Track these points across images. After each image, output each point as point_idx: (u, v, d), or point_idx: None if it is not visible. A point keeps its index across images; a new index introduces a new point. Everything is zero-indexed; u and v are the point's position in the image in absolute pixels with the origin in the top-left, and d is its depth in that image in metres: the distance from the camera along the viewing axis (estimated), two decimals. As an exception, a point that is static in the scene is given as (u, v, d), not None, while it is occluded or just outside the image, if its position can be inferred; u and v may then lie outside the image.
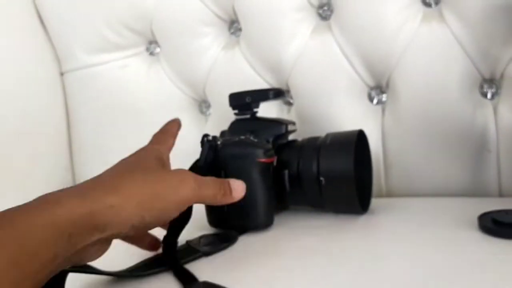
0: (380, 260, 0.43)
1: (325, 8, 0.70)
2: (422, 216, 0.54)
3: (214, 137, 0.54)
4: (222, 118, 0.63)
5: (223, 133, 0.61)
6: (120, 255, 0.50)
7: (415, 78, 0.64)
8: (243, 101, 0.59)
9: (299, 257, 0.45)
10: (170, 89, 0.79)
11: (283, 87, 0.72)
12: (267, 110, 0.69)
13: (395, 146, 0.66)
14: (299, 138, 0.60)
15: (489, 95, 0.63)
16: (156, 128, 0.79)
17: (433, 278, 0.38)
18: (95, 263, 0.42)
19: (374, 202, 0.59)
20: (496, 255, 0.42)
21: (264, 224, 0.54)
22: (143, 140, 0.79)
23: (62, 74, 0.83)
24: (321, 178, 0.54)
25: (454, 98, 0.63)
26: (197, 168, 0.52)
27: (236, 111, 0.61)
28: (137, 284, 0.43)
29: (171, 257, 0.46)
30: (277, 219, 0.56)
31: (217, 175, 0.53)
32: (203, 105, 0.80)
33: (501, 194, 0.62)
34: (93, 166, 0.82)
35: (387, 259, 0.43)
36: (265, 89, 0.61)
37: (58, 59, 0.82)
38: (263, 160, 0.53)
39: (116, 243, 0.55)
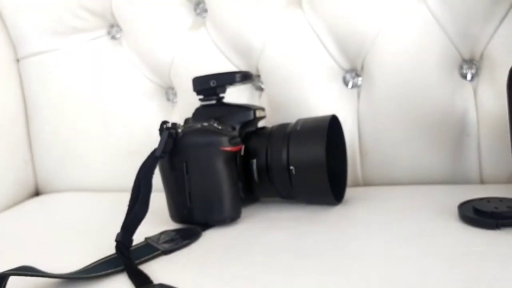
0: (353, 255, 0.40)
1: (296, -15, 0.66)
2: (399, 206, 0.51)
3: (174, 124, 0.50)
4: (189, 105, 0.59)
5: (187, 121, 0.57)
6: (71, 255, 0.47)
7: (391, 59, 0.61)
8: (207, 85, 0.55)
9: (266, 254, 0.42)
10: (135, 75, 0.75)
11: (253, 71, 0.68)
12: (237, 96, 0.65)
13: (371, 132, 0.63)
14: (270, 125, 0.56)
15: (468, 77, 0.60)
16: (120, 118, 0.75)
17: (410, 274, 0.36)
18: (42, 263, 0.39)
19: (350, 191, 0.56)
20: (477, 247, 0.39)
21: (230, 218, 0.51)
22: (106, 130, 0.76)
23: (17, 60, 0.77)
24: (291, 167, 0.51)
25: (433, 80, 0.59)
26: (154, 159, 0.48)
27: (201, 97, 0.57)
28: (88, 286, 0.39)
29: (125, 256, 0.43)
30: (246, 212, 0.53)
31: (179, 166, 0.50)
32: (169, 92, 0.75)
33: (482, 181, 0.59)
34: (54, 157, 0.78)
35: (360, 253, 0.40)
36: (231, 72, 0.56)
37: (13, 45, 0.77)
38: (228, 148, 0.49)
39: (69, 240, 0.52)
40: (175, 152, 0.49)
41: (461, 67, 0.60)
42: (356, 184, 0.64)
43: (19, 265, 0.39)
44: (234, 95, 0.63)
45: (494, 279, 0.33)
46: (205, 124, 0.51)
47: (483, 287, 0.33)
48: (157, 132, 0.51)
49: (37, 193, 0.80)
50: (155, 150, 0.49)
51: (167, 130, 0.49)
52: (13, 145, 0.76)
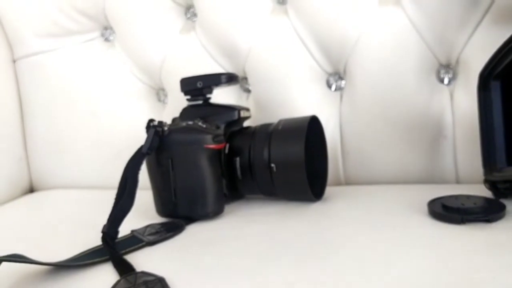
0: (325, 243, 0.43)
1: (283, -9, 0.68)
2: (374, 203, 0.54)
3: (160, 122, 0.52)
4: (179, 106, 0.61)
5: (174, 120, 0.59)
6: (60, 247, 0.49)
7: (372, 64, 0.63)
8: (194, 86, 0.58)
9: (244, 244, 0.44)
10: (127, 76, 0.77)
11: (240, 73, 0.70)
12: (225, 97, 0.68)
13: (353, 133, 0.66)
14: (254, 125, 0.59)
15: (445, 81, 0.63)
16: (112, 118, 0.78)
17: (378, 261, 0.38)
18: (33, 254, 0.41)
19: (331, 190, 0.58)
20: (443, 239, 0.41)
21: (213, 213, 0.53)
22: (98, 130, 0.78)
23: (14, 61, 0.80)
24: (272, 165, 0.53)
25: (411, 84, 0.62)
26: (140, 155, 0.50)
27: (188, 97, 0.59)
28: (74, 274, 0.42)
29: (110, 246, 0.45)
30: (229, 208, 0.55)
31: (165, 163, 0.52)
32: (160, 93, 0.78)
33: (458, 181, 0.62)
34: (48, 155, 0.80)
35: (333, 244, 0.43)
36: (217, 73, 0.59)
37: (10, 46, 0.79)
38: (211, 146, 0.52)
39: (60, 233, 0.54)
40: (161, 149, 0.52)
41: (438, 72, 0.62)
42: (338, 183, 0.67)
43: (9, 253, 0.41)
44: (222, 96, 0.66)
45: (455, 267, 0.36)
46: (190, 122, 0.53)
47: (444, 274, 0.35)
48: (147, 132, 0.53)
49: (31, 190, 0.82)
50: (142, 147, 0.51)
51: (153, 128, 0.51)
52: (8, 143, 0.78)
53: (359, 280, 0.35)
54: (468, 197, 0.47)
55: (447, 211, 0.45)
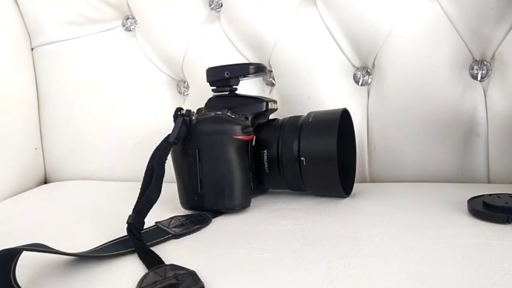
0: (362, 243, 0.41)
1: (311, -18, 0.67)
2: (408, 200, 0.52)
3: (188, 111, 0.51)
4: (200, 98, 0.60)
5: (199, 110, 0.58)
6: (81, 237, 0.48)
7: (403, 58, 0.62)
8: (221, 76, 0.56)
9: (273, 241, 0.43)
10: (147, 67, 0.76)
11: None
12: (248, 90, 0.66)
13: (380, 129, 0.64)
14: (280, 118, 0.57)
15: (479, 77, 0.61)
16: (130, 109, 0.76)
17: (420, 261, 0.36)
18: (54, 244, 0.40)
19: (357, 186, 0.56)
20: (488, 239, 0.39)
21: (240, 206, 0.51)
22: (116, 120, 0.76)
23: (32, 49, 0.78)
24: (302, 158, 0.51)
25: (443, 79, 0.60)
26: (167, 144, 0.48)
27: (214, 87, 0.57)
28: (99, 266, 0.40)
29: (136, 238, 0.43)
30: (255, 201, 0.54)
31: (191, 153, 0.50)
32: (181, 85, 0.77)
33: (489, 181, 0.60)
34: (64, 144, 0.79)
35: (369, 242, 0.41)
36: (245, 63, 0.57)
37: (28, 34, 0.78)
38: (240, 137, 0.50)
39: (79, 223, 0.52)
40: (188, 139, 0.50)
41: (471, 68, 0.61)
42: (363, 180, 0.65)
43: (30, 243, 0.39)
44: (245, 89, 0.64)
45: (506, 270, 0.33)
46: (219, 112, 0.51)
47: (495, 277, 0.33)
48: (167, 124, 0.51)
49: (45, 181, 0.81)
50: (168, 136, 0.49)
51: (181, 117, 0.49)
52: (24, 132, 0.77)
53: (405, 281, 0.33)
54: (510, 195, 0.45)
55: (490, 209, 0.43)
